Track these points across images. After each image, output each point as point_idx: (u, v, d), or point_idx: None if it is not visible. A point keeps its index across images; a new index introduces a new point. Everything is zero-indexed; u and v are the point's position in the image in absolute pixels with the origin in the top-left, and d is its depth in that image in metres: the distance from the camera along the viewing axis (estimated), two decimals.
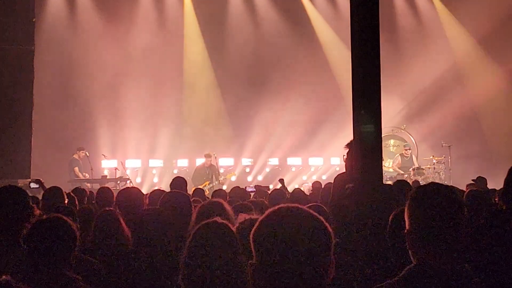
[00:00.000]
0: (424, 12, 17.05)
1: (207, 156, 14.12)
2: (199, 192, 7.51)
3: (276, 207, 1.68)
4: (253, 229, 1.65)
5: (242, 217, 3.04)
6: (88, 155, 13.69)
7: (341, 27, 15.65)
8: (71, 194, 6.23)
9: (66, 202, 5.40)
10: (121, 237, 3.76)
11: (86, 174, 13.64)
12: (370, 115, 4.14)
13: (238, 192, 7.73)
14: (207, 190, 13.18)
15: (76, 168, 13.57)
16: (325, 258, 1.61)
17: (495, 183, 8.27)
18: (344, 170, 5.38)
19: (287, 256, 1.56)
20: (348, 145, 5.01)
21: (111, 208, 4.29)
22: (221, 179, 14.05)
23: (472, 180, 9.05)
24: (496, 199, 5.73)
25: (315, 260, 1.58)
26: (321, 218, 1.65)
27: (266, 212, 1.67)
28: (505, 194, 3.15)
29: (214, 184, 13.72)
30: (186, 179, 6.72)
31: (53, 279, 2.71)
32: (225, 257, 2.37)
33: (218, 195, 6.69)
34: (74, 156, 13.81)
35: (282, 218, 1.62)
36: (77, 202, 5.83)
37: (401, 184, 5.43)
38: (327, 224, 1.64)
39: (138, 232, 3.39)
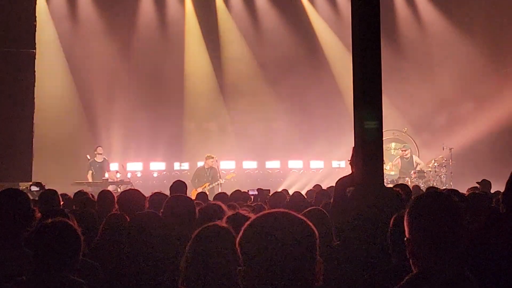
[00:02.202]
0: (425, 15, 17.07)
1: (209, 158, 14.00)
2: (202, 196, 7.47)
3: (262, 213, 1.69)
4: (239, 235, 1.66)
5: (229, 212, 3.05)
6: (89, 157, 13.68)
7: (342, 30, 15.67)
8: (70, 197, 6.26)
9: (61, 204, 5.43)
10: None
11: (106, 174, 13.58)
12: (371, 117, 4.14)
13: (239, 195, 7.73)
14: (207, 191, 13.15)
15: (89, 173, 13.50)
16: (311, 262, 1.62)
17: (496, 186, 8.26)
18: (345, 174, 5.40)
19: (273, 261, 1.57)
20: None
21: (118, 212, 4.30)
22: (222, 181, 13.97)
23: (477, 182, 9.03)
24: (494, 202, 5.72)
25: (301, 264, 1.59)
26: (308, 221, 1.66)
27: (252, 218, 1.68)
28: (506, 197, 3.13)
29: (214, 185, 13.63)
30: (186, 182, 6.73)
31: (58, 282, 2.70)
32: (225, 261, 2.37)
33: (218, 198, 6.69)
34: (94, 158, 13.69)
35: (267, 224, 1.63)
36: (72, 205, 5.86)
37: (400, 187, 5.44)
38: (313, 228, 1.65)
39: (139, 235, 3.39)
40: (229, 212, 3.80)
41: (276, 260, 1.57)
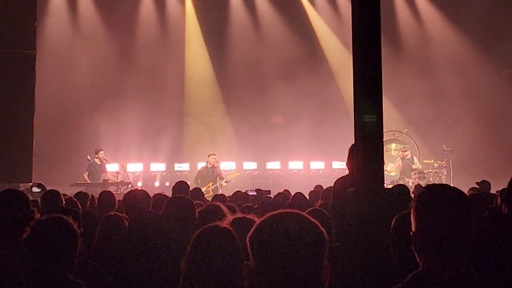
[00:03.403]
0: (425, 15, 17.08)
1: (211, 155, 13.83)
2: (197, 193, 7.37)
3: (274, 212, 1.70)
4: (250, 232, 1.67)
5: (235, 216, 3.04)
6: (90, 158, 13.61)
7: (343, 31, 15.68)
8: (71, 197, 6.24)
9: (63, 205, 5.42)
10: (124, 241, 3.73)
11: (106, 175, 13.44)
12: (371, 116, 4.13)
13: (239, 196, 7.73)
14: (210, 190, 13.11)
15: (85, 174, 13.36)
16: (320, 262, 1.63)
17: (497, 187, 8.24)
18: (343, 175, 5.41)
19: (282, 259, 1.58)
20: (352, 148, 5.03)
21: (116, 213, 4.29)
22: (223, 182, 13.92)
23: (476, 183, 9.02)
24: (499, 201, 5.71)
25: (310, 264, 1.60)
26: (318, 223, 1.67)
27: (264, 216, 1.69)
28: (508, 196, 3.13)
29: (218, 184, 13.54)
30: (188, 182, 6.74)
31: (57, 284, 2.67)
32: (226, 262, 2.36)
33: (217, 199, 6.67)
34: (94, 160, 13.52)
35: (279, 223, 1.64)
36: (79, 206, 5.83)
37: (399, 188, 5.45)
38: (323, 229, 1.66)
39: (139, 235, 3.39)
40: (229, 214, 3.80)
41: (285, 259, 1.58)
